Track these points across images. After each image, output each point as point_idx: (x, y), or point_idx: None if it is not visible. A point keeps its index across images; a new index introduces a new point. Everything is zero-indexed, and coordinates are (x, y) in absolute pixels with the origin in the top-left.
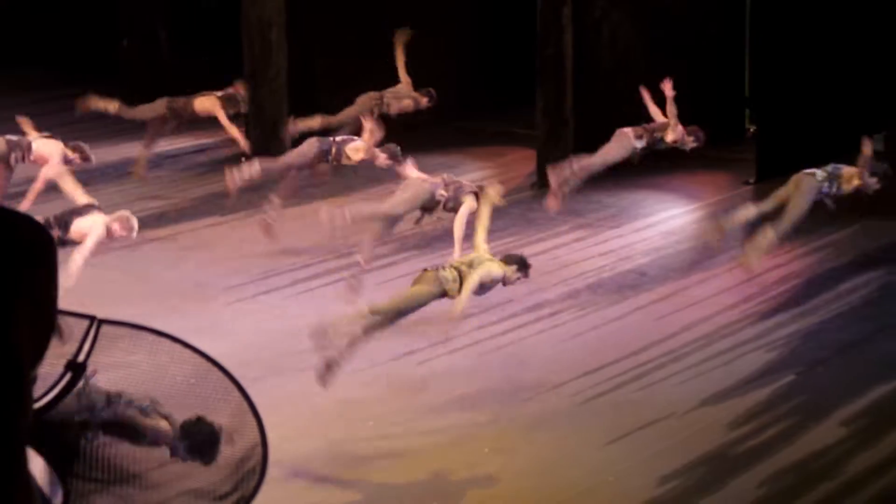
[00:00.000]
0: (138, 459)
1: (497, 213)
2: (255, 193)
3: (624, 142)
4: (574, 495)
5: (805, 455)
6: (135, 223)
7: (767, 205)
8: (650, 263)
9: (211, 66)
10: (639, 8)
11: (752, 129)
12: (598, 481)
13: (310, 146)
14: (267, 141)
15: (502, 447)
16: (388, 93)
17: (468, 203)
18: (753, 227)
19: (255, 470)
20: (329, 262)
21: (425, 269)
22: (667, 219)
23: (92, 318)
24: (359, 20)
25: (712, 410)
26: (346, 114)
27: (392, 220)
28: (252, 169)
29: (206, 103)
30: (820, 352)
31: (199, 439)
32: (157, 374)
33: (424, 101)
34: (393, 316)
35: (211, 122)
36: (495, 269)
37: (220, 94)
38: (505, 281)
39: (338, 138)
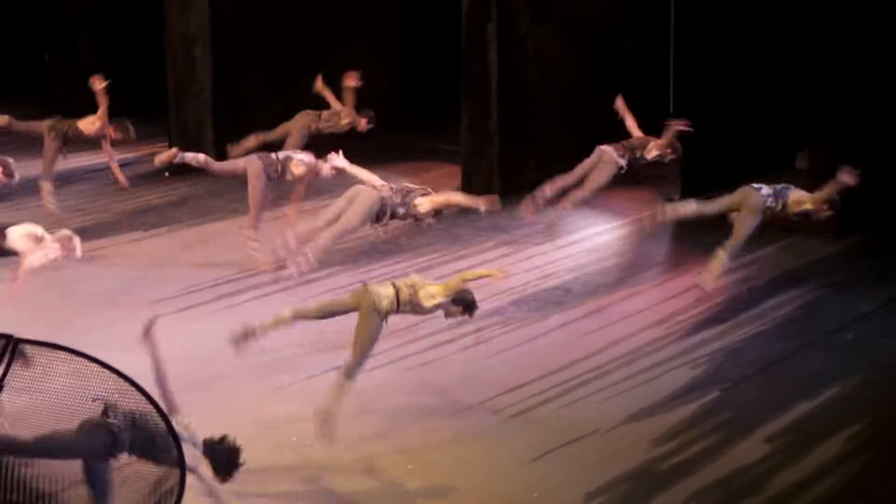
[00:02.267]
0: (53, 480)
1: (421, 228)
2: (178, 209)
3: (609, 161)
4: None
5: (729, 471)
6: (77, 242)
7: (709, 207)
8: (574, 280)
9: (135, 81)
10: (564, 24)
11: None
12: (525, 498)
13: (252, 166)
14: None
15: (426, 464)
16: (327, 112)
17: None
18: (686, 225)
19: (173, 491)
20: (254, 278)
21: (364, 283)
22: (591, 236)
23: (9, 338)
24: (284, 36)
25: (637, 427)
26: (282, 129)
27: (346, 234)
28: (197, 158)
29: (92, 127)
30: (744, 369)
31: (221, 457)
32: (75, 393)
33: (363, 122)
34: (316, 318)
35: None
36: (439, 295)
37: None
38: (447, 315)
39: (280, 154)
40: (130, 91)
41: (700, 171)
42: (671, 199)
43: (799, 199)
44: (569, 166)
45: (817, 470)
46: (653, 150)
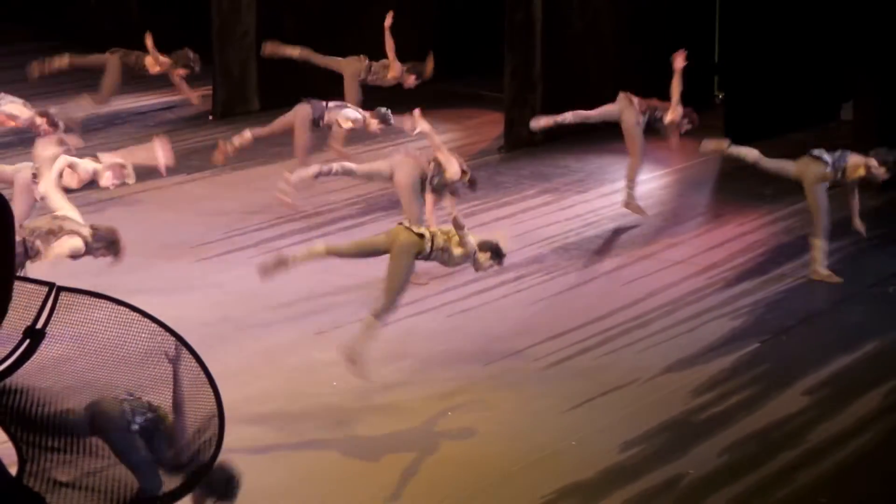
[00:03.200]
0: (94, 427)
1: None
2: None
3: (627, 107)
4: (538, 459)
5: (767, 423)
6: (131, 169)
7: (769, 164)
8: (616, 229)
9: (179, 24)
10: None
11: (720, 96)
12: (562, 446)
13: (301, 111)
14: (233, 100)
15: (465, 411)
16: (377, 64)
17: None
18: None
19: (212, 441)
20: (295, 222)
21: (399, 223)
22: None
23: (51, 286)
24: None
25: (676, 377)
26: (329, 61)
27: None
28: (243, 138)
29: (157, 63)
30: (784, 320)
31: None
32: (115, 343)
33: (412, 79)
34: (349, 256)
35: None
36: (472, 243)
37: (171, 55)
38: (477, 266)
39: (330, 104)
40: (174, 33)
41: (745, 121)
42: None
43: (856, 163)
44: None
45: (856, 424)
46: (669, 115)
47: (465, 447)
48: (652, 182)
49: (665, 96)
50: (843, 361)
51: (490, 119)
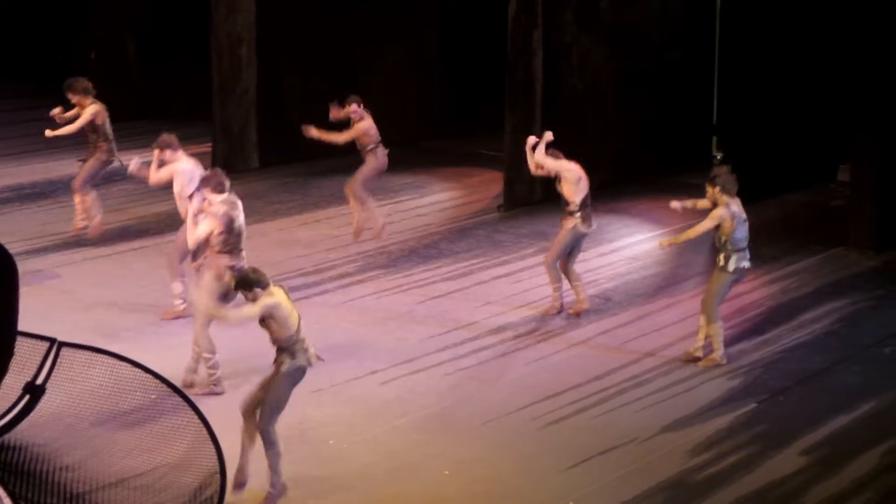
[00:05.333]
0: (93, 484)
1: (462, 233)
2: None
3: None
4: None
5: (765, 483)
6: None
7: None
8: (614, 288)
9: (180, 81)
10: (609, 33)
11: (719, 156)
12: None
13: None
14: (233, 157)
15: (463, 469)
16: None
17: None
18: None
19: (213, 499)
20: (293, 279)
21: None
22: (632, 244)
23: (52, 341)
24: (328, 39)
25: (674, 437)
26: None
27: None
28: None
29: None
30: (782, 381)
31: None
32: (116, 400)
33: None
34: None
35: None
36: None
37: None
38: None
39: None
40: (174, 90)
41: (743, 181)
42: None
43: None
44: (609, 176)
45: (853, 484)
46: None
47: None
48: (650, 242)
49: (663, 155)
50: (840, 422)
51: (490, 178)
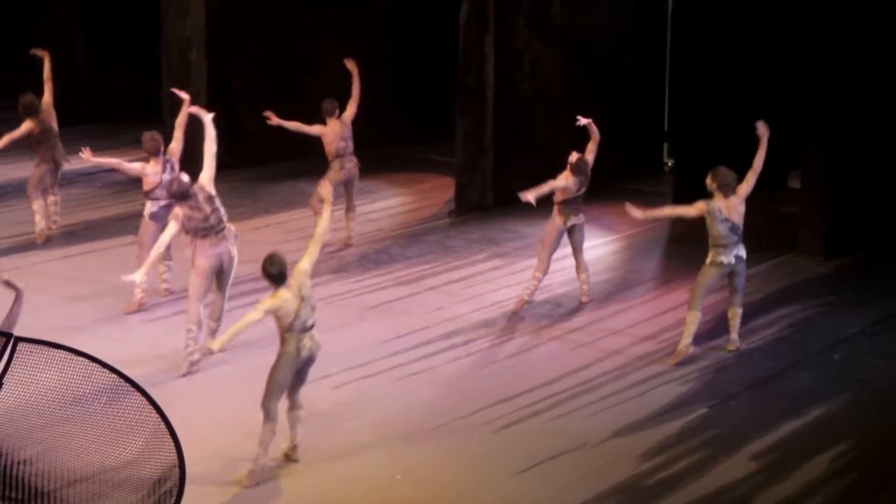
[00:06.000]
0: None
1: (414, 239)
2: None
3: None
4: None
5: (715, 488)
6: None
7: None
8: (566, 294)
9: (129, 83)
10: (561, 40)
11: (670, 163)
12: None
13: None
14: (184, 159)
15: (415, 473)
16: None
17: None
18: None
19: (172, 492)
20: (258, 282)
21: None
22: (583, 250)
23: (8, 336)
24: (279, 43)
25: (625, 441)
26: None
27: None
28: None
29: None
30: (732, 386)
31: None
32: (72, 393)
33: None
34: None
35: (125, 142)
36: None
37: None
38: None
39: None
40: (125, 94)
41: (694, 187)
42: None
43: None
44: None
45: (802, 489)
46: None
47: None
48: (601, 248)
49: (614, 162)
50: (790, 427)
51: (441, 183)
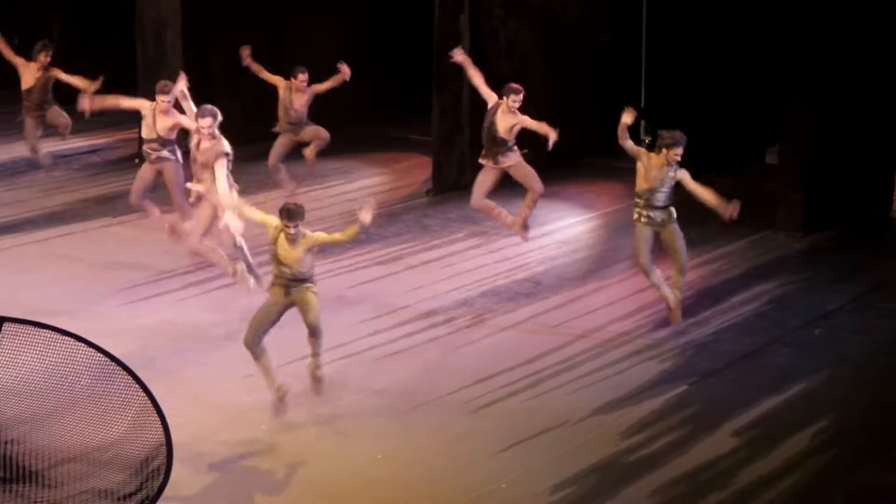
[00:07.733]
0: (40, 457)
1: (391, 218)
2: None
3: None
4: (466, 502)
5: (696, 465)
6: None
7: None
8: (544, 272)
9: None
10: (537, 17)
11: (646, 140)
12: (491, 488)
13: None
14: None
15: (394, 453)
16: None
17: None
18: None
19: (160, 470)
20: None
21: None
22: (561, 228)
23: None
24: (254, 23)
25: (605, 419)
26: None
27: None
28: None
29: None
30: (712, 363)
31: None
32: (59, 373)
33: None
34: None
35: (103, 124)
36: None
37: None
38: None
39: None
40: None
41: None
42: None
43: None
44: (538, 158)
45: (783, 464)
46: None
47: (392, 489)
48: (580, 225)
49: (591, 139)
50: (770, 403)
51: (418, 162)
